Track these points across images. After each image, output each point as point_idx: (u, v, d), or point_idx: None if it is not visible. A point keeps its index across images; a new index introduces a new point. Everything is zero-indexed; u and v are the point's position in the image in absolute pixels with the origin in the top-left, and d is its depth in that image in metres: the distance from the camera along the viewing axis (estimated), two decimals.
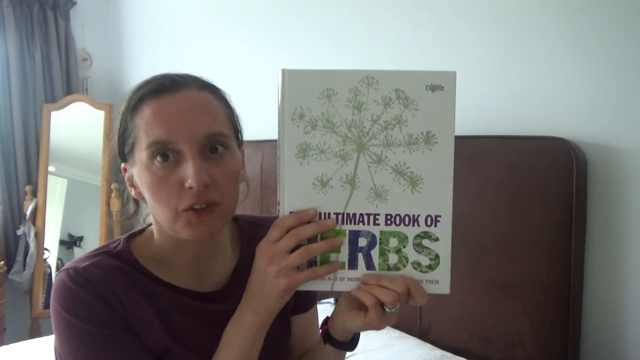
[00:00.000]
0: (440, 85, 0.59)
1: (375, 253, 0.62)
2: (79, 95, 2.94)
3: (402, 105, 0.60)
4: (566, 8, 1.17)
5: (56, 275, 0.67)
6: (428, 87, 0.59)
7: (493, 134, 1.28)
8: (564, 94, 1.19)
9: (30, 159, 2.84)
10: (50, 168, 2.79)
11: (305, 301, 0.85)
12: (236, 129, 0.71)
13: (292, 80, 0.61)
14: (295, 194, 0.61)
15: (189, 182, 0.61)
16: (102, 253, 0.69)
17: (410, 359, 1.26)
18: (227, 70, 2.22)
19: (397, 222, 0.61)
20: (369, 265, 0.62)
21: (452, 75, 0.60)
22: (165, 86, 0.64)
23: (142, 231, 0.75)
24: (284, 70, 0.61)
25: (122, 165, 0.70)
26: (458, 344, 1.32)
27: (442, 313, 1.37)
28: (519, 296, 1.19)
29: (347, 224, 0.61)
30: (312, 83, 0.60)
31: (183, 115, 0.63)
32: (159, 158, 0.63)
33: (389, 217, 0.61)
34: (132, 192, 0.70)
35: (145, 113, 0.64)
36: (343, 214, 0.61)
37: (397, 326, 1.47)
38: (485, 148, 1.26)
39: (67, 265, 0.67)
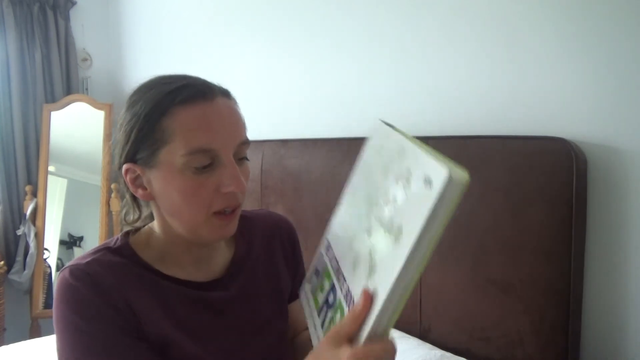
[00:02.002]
0: (430, 180, 0.47)
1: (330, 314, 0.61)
2: (79, 95, 2.94)
3: (401, 187, 0.52)
4: (566, 8, 1.17)
5: (59, 274, 0.67)
6: (424, 178, 0.48)
7: (493, 134, 1.28)
8: (564, 94, 1.19)
9: (30, 159, 2.84)
10: (50, 168, 2.79)
11: (296, 290, 0.87)
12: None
13: (374, 132, 0.63)
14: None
15: (231, 188, 0.65)
16: (103, 249, 0.70)
17: (410, 359, 1.26)
18: (227, 70, 2.22)
19: (347, 299, 0.57)
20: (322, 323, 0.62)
21: (445, 174, 0.45)
22: (203, 93, 0.65)
23: (137, 229, 0.76)
24: (378, 122, 0.62)
25: (126, 165, 0.68)
26: (458, 344, 1.32)
27: (442, 313, 1.37)
28: (519, 296, 1.19)
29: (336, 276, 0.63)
30: (385, 138, 0.61)
31: (223, 125, 0.66)
32: (198, 164, 0.64)
33: (348, 291, 0.58)
34: (139, 193, 0.69)
35: (184, 119, 0.64)
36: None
37: (397, 326, 1.47)
38: (485, 148, 1.26)
39: (69, 263, 0.68)
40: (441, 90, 1.45)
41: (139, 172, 0.68)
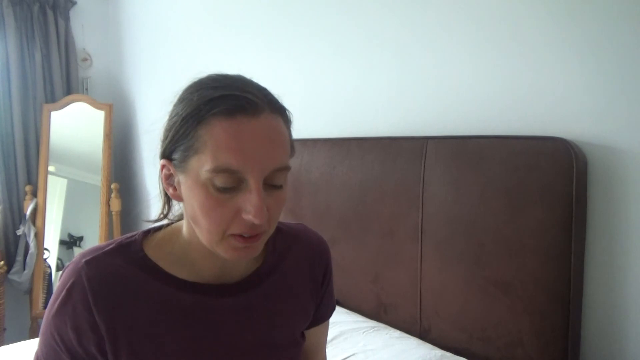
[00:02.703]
0: None
1: None
2: (79, 95, 2.94)
3: None
4: (567, 8, 1.17)
5: (70, 262, 0.67)
6: None
7: (493, 134, 1.28)
8: (564, 94, 1.19)
9: (30, 159, 2.84)
10: (50, 168, 2.79)
11: (324, 314, 0.86)
12: (292, 150, 0.69)
13: None
14: None
15: (250, 217, 0.61)
16: (114, 245, 0.69)
17: (410, 359, 1.26)
18: (227, 71, 2.22)
19: None
20: None
21: None
22: (244, 108, 0.60)
23: (159, 228, 0.74)
24: None
25: (163, 162, 0.66)
26: (458, 344, 1.32)
27: (442, 313, 1.37)
28: (519, 296, 1.19)
29: None
30: None
31: (257, 147, 0.60)
32: (221, 184, 0.61)
33: None
34: (170, 191, 0.68)
35: (217, 132, 0.60)
36: None
37: (397, 326, 1.47)
38: (485, 148, 1.26)
39: (77, 256, 0.68)
40: (441, 90, 1.45)
41: (172, 171, 0.66)
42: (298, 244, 0.81)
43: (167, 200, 0.73)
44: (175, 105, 0.65)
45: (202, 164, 0.60)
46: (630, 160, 1.09)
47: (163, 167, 0.67)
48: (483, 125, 1.34)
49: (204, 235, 0.65)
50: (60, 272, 0.70)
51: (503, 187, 1.22)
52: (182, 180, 0.64)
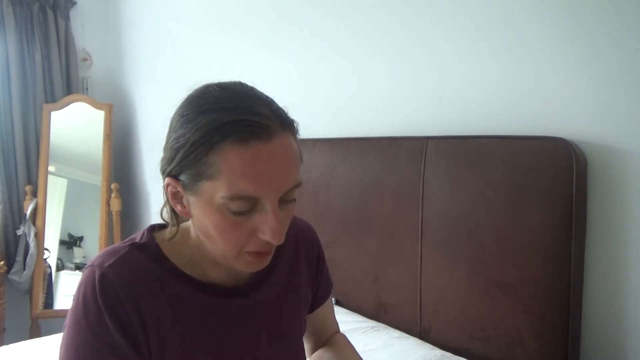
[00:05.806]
0: None
1: None
2: (79, 95, 2.94)
3: None
4: (567, 8, 1.17)
5: (85, 269, 0.67)
6: None
7: (493, 134, 1.28)
8: (564, 94, 1.19)
9: (30, 159, 2.84)
10: (50, 168, 2.79)
11: (321, 296, 0.88)
12: (301, 159, 0.70)
13: None
14: None
15: (266, 237, 0.62)
16: (129, 246, 0.69)
17: (410, 359, 1.26)
18: (227, 71, 2.22)
19: None
20: None
21: None
22: (256, 134, 0.59)
23: (163, 226, 0.74)
24: None
25: (168, 180, 0.64)
26: (458, 344, 1.32)
27: (442, 313, 1.37)
28: (519, 296, 1.19)
29: None
30: None
31: (273, 171, 0.61)
32: (237, 209, 0.61)
33: None
34: (178, 208, 0.66)
35: (232, 160, 0.58)
36: None
37: (397, 326, 1.47)
38: (485, 148, 1.26)
39: (95, 261, 0.66)
40: (441, 90, 1.45)
41: (179, 189, 0.64)
42: (291, 236, 0.82)
43: (175, 214, 0.71)
44: (180, 124, 0.62)
45: (216, 190, 0.60)
46: (630, 160, 1.09)
47: (168, 185, 0.65)
48: (483, 125, 1.34)
49: (218, 252, 0.66)
50: (79, 276, 0.69)
51: (503, 187, 1.22)
52: (193, 201, 0.64)
